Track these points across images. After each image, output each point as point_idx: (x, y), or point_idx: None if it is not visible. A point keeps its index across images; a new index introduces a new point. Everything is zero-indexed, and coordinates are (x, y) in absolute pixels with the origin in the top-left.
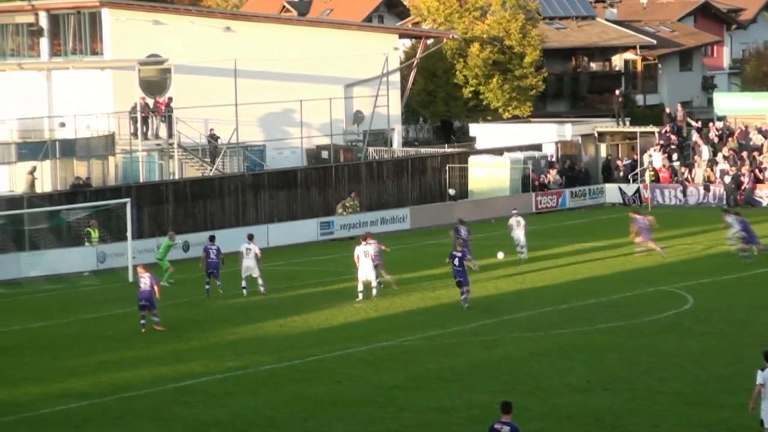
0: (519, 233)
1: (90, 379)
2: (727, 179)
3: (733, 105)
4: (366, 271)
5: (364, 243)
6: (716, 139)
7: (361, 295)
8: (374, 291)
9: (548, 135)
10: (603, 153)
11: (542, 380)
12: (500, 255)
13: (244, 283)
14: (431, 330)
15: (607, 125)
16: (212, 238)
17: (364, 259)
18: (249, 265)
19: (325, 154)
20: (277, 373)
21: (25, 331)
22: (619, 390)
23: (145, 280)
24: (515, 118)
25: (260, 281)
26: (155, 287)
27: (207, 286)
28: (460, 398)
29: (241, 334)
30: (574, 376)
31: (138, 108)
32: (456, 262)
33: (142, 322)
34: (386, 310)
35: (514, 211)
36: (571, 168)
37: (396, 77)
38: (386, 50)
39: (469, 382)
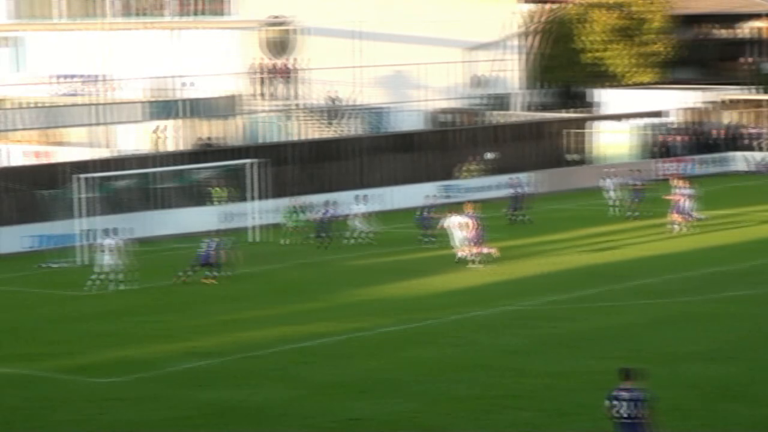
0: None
1: (214, 338)
2: None
3: None
4: (458, 240)
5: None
6: None
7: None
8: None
9: (673, 102)
10: (729, 120)
11: (665, 347)
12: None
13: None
14: (552, 295)
15: (734, 93)
16: (327, 203)
17: (458, 229)
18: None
19: (445, 118)
20: (397, 336)
21: (154, 289)
22: (746, 359)
23: (209, 244)
24: (639, 85)
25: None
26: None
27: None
28: (580, 363)
29: (362, 295)
30: (698, 344)
31: (261, 69)
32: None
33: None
34: (507, 274)
35: None
36: (698, 135)
37: (517, 42)
38: (507, 14)
39: (589, 347)
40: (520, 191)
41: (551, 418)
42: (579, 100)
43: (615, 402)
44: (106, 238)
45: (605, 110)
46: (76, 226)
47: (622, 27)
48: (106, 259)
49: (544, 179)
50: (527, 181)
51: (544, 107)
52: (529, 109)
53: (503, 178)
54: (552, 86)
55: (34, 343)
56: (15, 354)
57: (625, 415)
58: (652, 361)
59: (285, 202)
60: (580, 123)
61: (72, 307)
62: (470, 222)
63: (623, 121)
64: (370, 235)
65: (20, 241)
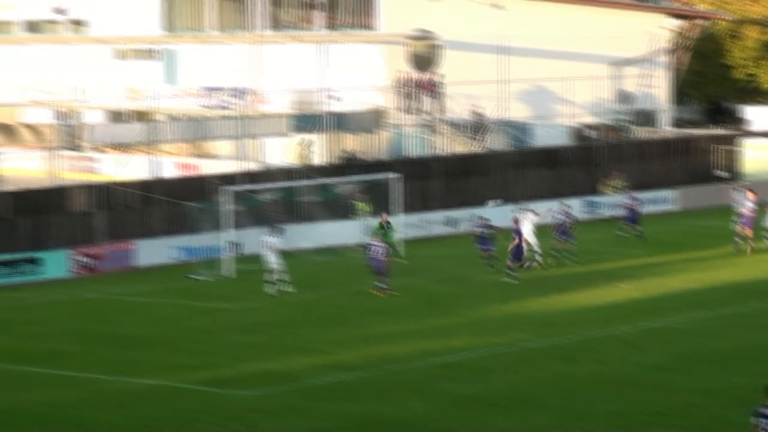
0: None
1: (357, 351)
2: None
3: None
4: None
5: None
6: None
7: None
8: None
9: None
10: None
11: None
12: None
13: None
14: (697, 312)
15: None
16: (480, 217)
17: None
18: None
19: (589, 133)
20: (538, 351)
21: (299, 302)
22: None
23: (376, 249)
24: None
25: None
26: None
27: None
28: (725, 381)
29: (504, 310)
30: None
31: (407, 83)
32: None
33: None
34: (651, 291)
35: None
36: None
37: (665, 57)
38: (653, 29)
39: (735, 364)
40: (638, 209)
41: None
42: (728, 117)
43: (762, 419)
44: (269, 236)
45: (756, 127)
46: (222, 238)
47: None
48: (272, 259)
49: (692, 196)
50: (644, 198)
51: (692, 123)
52: (675, 125)
53: (648, 195)
54: (700, 102)
55: (179, 354)
56: (160, 365)
57: None
58: None
59: (430, 216)
60: (730, 139)
61: (216, 319)
62: (515, 237)
63: None
64: (537, 256)
65: (168, 252)
